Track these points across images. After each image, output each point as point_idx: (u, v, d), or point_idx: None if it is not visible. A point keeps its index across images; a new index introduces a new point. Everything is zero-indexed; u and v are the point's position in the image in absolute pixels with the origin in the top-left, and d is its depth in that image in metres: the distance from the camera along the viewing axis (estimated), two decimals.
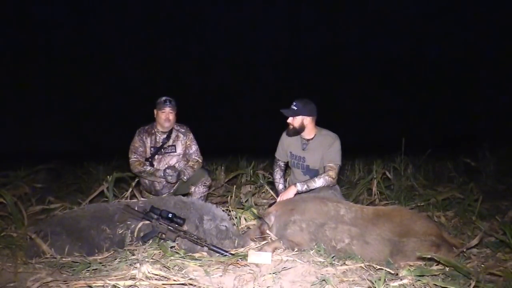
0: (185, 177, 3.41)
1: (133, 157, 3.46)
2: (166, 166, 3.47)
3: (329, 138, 3.20)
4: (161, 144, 3.52)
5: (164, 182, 3.46)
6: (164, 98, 3.49)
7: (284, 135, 3.41)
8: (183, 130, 3.62)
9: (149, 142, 3.50)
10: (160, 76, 21.58)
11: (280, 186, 3.48)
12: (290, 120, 3.20)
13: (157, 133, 3.53)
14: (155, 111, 3.51)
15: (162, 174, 3.36)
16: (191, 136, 3.64)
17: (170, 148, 3.55)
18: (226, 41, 25.67)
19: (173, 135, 3.58)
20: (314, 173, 3.25)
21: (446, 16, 23.39)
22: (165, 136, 3.54)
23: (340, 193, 3.35)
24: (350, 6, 25.45)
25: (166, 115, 3.44)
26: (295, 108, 3.15)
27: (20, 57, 17.97)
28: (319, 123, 3.29)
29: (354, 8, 25.75)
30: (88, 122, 17.45)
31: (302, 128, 3.19)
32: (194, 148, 3.63)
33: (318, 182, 3.04)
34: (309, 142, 3.24)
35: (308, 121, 3.17)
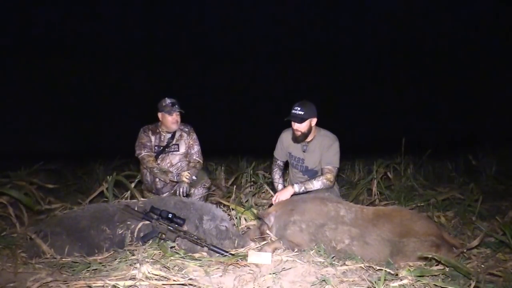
0: (192, 177, 3.38)
1: (144, 152, 3.41)
2: (171, 167, 3.46)
3: (328, 139, 3.17)
4: (166, 144, 3.50)
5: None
6: (169, 101, 3.39)
7: (283, 134, 3.40)
8: (186, 130, 3.60)
9: (153, 140, 3.48)
10: (160, 75, 21.60)
11: (280, 187, 3.45)
12: (297, 126, 3.04)
13: (162, 133, 3.52)
14: (159, 114, 3.44)
15: (175, 179, 3.33)
16: (194, 136, 3.62)
17: (173, 147, 3.53)
18: (226, 40, 25.69)
19: (177, 134, 3.56)
20: (313, 173, 3.24)
21: (448, 14, 23.40)
22: (170, 135, 3.52)
23: (338, 194, 3.34)
24: (349, 3, 25.45)
25: (174, 118, 3.41)
26: (301, 112, 2.99)
27: (20, 57, 17.98)
28: (319, 123, 3.25)
29: (353, 7, 25.76)
30: (88, 122, 17.45)
31: (310, 131, 3.11)
32: (196, 148, 3.61)
33: (316, 185, 3.02)
34: (309, 143, 3.22)
35: (314, 122, 3.12)
